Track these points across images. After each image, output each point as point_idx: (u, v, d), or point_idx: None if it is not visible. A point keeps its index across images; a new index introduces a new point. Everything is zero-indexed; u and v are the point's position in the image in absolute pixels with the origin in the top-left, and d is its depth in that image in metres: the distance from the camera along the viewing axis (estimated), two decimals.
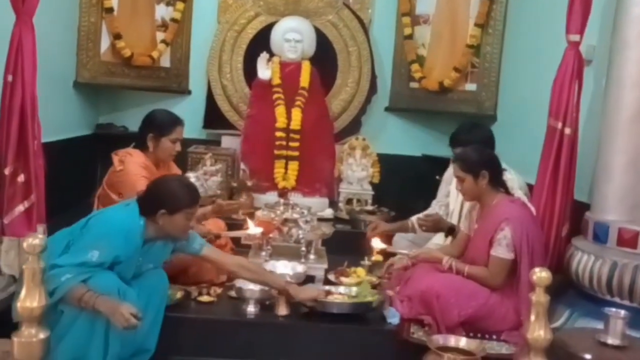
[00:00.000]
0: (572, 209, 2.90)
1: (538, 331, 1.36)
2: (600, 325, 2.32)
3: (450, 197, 3.31)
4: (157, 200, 2.39)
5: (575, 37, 2.84)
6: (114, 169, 2.92)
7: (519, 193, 2.94)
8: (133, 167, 2.88)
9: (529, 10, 4.06)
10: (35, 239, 1.28)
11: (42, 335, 1.26)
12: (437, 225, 3.23)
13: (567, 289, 2.80)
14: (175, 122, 3.04)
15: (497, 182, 2.72)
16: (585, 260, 2.67)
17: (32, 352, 1.24)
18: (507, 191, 2.75)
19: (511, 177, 2.99)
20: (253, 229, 3.07)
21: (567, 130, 2.83)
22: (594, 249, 2.69)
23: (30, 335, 1.26)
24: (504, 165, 2.87)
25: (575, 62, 2.83)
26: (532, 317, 1.42)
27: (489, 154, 2.82)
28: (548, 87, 2.93)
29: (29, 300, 1.25)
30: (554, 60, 2.95)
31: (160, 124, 3.00)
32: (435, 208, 3.41)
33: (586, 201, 2.94)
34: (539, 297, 1.42)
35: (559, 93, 2.86)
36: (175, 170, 3.20)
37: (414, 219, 3.35)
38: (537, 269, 1.49)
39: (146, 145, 2.97)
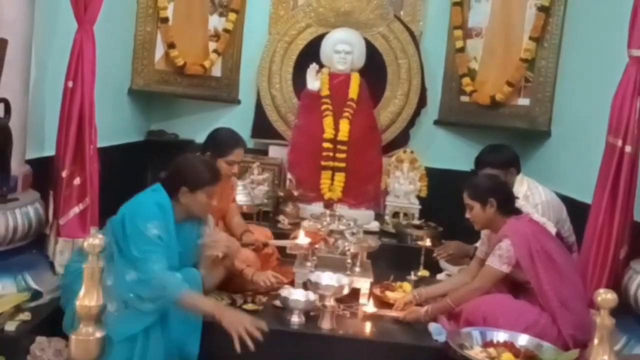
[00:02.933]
0: (632, 230, 2.78)
1: (602, 356, 1.29)
2: None
3: None
4: (179, 177, 2.48)
5: (637, 52, 2.73)
6: None
7: (532, 212, 2.88)
8: None
9: (587, 24, 3.94)
10: (95, 239, 1.30)
11: (98, 335, 1.28)
12: (461, 252, 3.24)
13: (624, 315, 2.67)
14: (235, 144, 2.98)
15: (507, 209, 2.71)
16: None
17: (88, 350, 1.27)
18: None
19: (530, 194, 3.04)
20: (302, 238, 3.06)
21: (628, 148, 2.72)
22: None
23: (88, 334, 1.28)
24: (531, 182, 2.99)
25: (637, 78, 2.72)
26: (596, 341, 1.35)
27: (498, 182, 2.84)
28: (607, 103, 2.83)
29: (87, 299, 1.28)
30: (613, 75, 2.85)
31: (219, 144, 2.98)
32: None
33: None
34: (604, 320, 1.35)
35: (619, 109, 2.75)
36: (233, 183, 3.24)
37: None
38: (601, 290, 1.42)
39: None
